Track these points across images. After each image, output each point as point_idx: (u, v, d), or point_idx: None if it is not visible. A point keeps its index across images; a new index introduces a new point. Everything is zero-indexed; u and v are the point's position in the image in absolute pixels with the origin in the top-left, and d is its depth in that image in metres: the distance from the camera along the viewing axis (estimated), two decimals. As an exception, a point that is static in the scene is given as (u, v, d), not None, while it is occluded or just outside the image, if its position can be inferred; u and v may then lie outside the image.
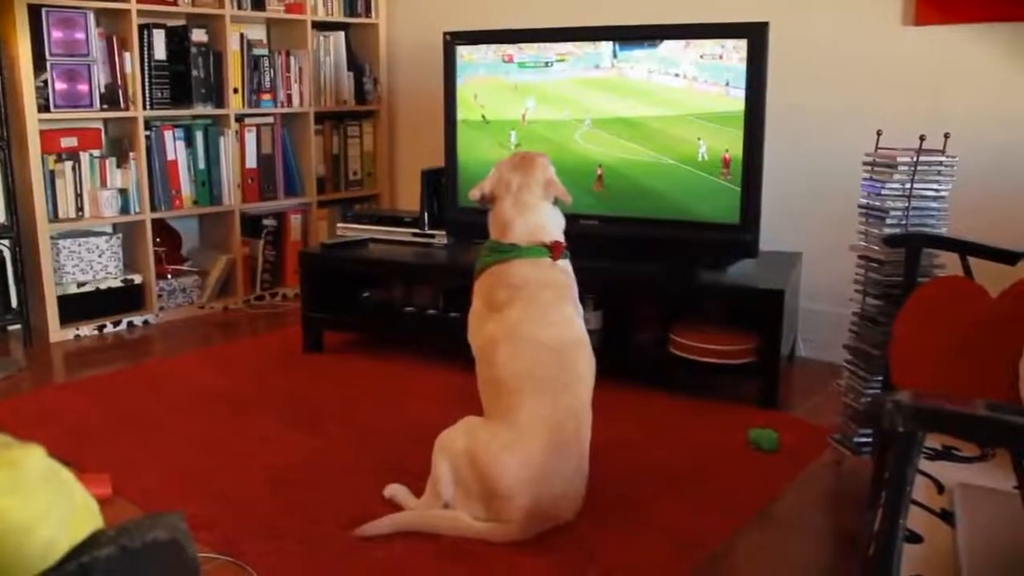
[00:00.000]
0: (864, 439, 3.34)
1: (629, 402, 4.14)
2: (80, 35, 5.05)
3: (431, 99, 6.21)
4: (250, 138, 5.96)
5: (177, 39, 5.55)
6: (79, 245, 5.26)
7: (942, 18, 4.31)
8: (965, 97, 4.31)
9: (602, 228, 4.48)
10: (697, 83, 4.24)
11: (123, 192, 5.38)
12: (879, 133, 3.40)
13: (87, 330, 5.30)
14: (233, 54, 5.75)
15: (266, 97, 5.98)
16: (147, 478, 3.37)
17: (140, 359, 4.85)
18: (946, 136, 3.27)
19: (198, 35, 5.60)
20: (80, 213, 5.26)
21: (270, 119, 6.09)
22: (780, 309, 3.97)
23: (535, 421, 2.86)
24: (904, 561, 1.70)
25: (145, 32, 5.33)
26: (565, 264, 3.19)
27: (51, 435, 3.75)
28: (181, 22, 5.65)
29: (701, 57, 4.18)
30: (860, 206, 3.36)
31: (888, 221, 3.21)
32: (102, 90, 5.22)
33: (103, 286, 5.37)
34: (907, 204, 3.19)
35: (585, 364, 3.04)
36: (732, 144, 4.19)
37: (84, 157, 5.25)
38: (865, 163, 3.33)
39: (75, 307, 5.26)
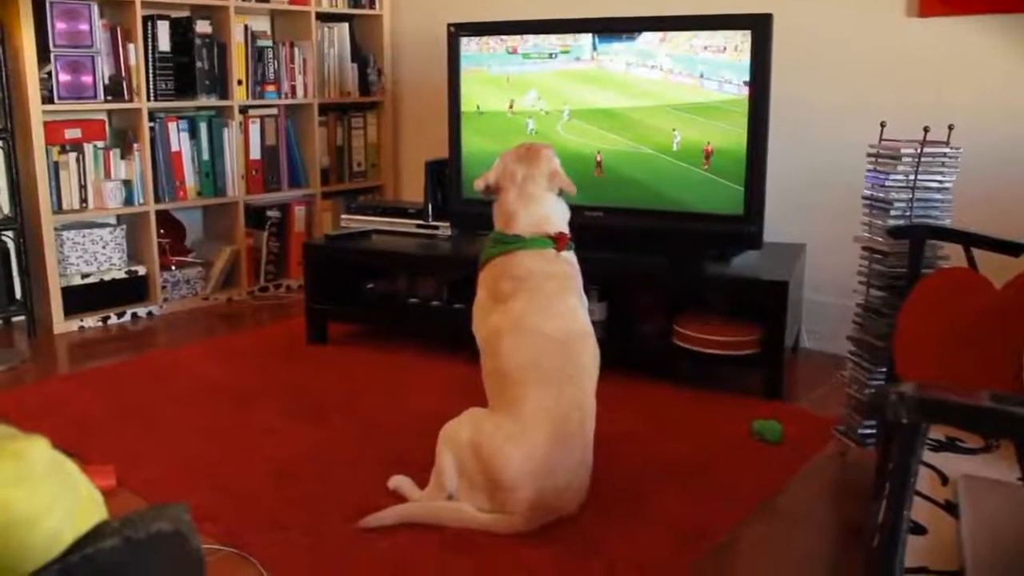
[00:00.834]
0: (868, 430, 3.34)
1: (633, 393, 4.14)
2: (84, 26, 5.04)
3: (435, 90, 6.21)
4: (254, 129, 5.96)
5: (181, 30, 5.55)
6: (83, 236, 5.26)
7: (946, 9, 4.30)
8: (969, 88, 4.30)
9: (606, 219, 4.48)
10: (673, 75, 4.26)
11: (127, 183, 5.38)
12: (883, 125, 3.40)
13: (91, 321, 5.30)
14: (237, 45, 5.74)
15: (270, 88, 5.98)
16: (151, 469, 3.37)
17: (144, 350, 4.85)
18: (950, 128, 3.27)
19: (202, 26, 5.59)
20: (84, 204, 5.27)
21: (274, 110, 6.09)
22: (784, 300, 3.97)
23: (539, 412, 2.87)
24: (908, 552, 1.70)
25: (149, 23, 5.33)
26: (570, 255, 3.19)
27: (55, 426, 3.75)
28: (185, 13, 5.65)
29: (699, 49, 4.18)
30: (864, 197, 3.35)
31: (892, 212, 3.20)
32: (106, 81, 5.22)
33: (107, 277, 5.37)
34: (911, 195, 3.19)
35: (589, 355, 3.04)
36: (714, 136, 4.20)
37: (88, 148, 5.25)
38: (869, 155, 3.32)
39: (79, 298, 5.26)
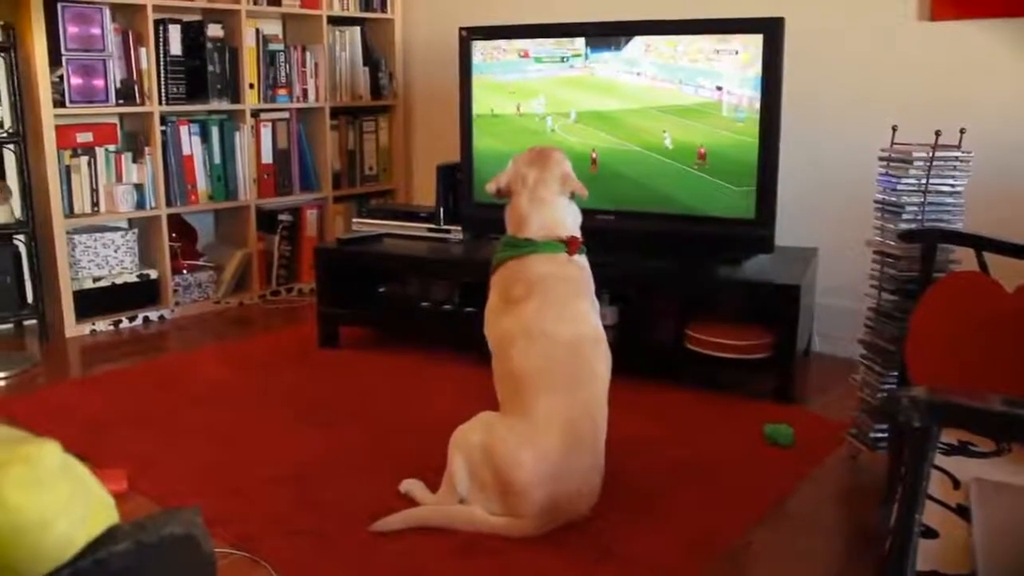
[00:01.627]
0: (880, 434, 3.33)
1: (644, 397, 4.13)
2: (96, 30, 5.06)
3: (447, 94, 6.22)
4: (266, 133, 5.97)
5: (193, 34, 5.56)
6: (95, 240, 5.28)
7: (958, 13, 4.30)
8: (981, 92, 4.30)
9: (617, 223, 4.48)
10: (657, 81, 4.29)
11: (139, 187, 5.39)
12: (894, 128, 3.40)
13: (103, 325, 5.31)
14: (249, 49, 5.75)
15: (282, 92, 5.99)
16: (163, 473, 3.38)
17: (156, 354, 4.86)
18: (962, 131, 3.26)
19: (214, 30, 5.60)
20: (96, 208, 5.28)
21: (286, 114, 6.10)
22: (796, 304, 3.97)
23: (551, 416, 2.86)
24: (920, 556, 1.70)
25: (161, 27, 5.34)
26: (581, 259, 3.19)
27: (67, 430, 3.76)
28: (197, 17, 5.66)
29: (711, 53, 4.19)
30: (876, 201, 3.35)
31: (904, 216, 3.20)
32: (118, 85, 5.23)
33: (119, 281, 5.39)
34: (923, 199, 3.19)
35: (601, 360, 3.04)
36: (705, 138, 4.22)
37: (100, 152, 5.27)
38: (881, 158, 3.32)
39: (91, 302, 5.27)
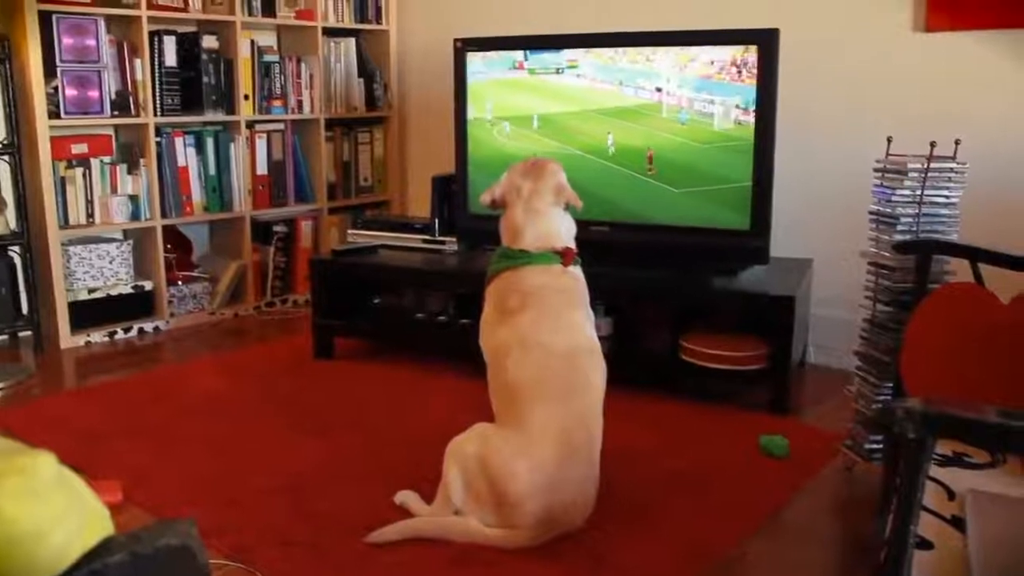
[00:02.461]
0: (875, 445, 3.34)
1: (639, 408, 4.13)
2: (91, 41, 5.06)
3: (442, 105, 6.22)
4: (261, 144, 5.97)
5: (187, 45, 5.57)
6: (90, 251, 5.27)
7: (953, 24, 4.30)
8: (976, 103, 4.30)
9: (612, 234, 4.48)
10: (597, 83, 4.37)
11: (134, 198, 5.39)
12: (889, 140, 3.40)
13: (98, 336, 5.31)
14: (244, 60, 5.76)
15: (277, 103, 6.00)
16: (158, 484, 3.38)
17: (151, 365, 4.86)
18: (957, 142, 3.27)
19: (209, 41, 5.61)
20: (91, 219, 5.27)
21: (281, 125, 6.10)
22: (791, 315, 3.97)
23: (546, 427, 2.86)
24: (915, 567, 1.70)
25: (155, 38, 5.34)
26: (576, 271, 3.19)
27: (62, 441, 3.76)
28: (192, 29, 5.66)
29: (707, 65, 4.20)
30: (871, 212, 3.35)
31: (899, 227, 3.20)
32: (113, 96, 5.23)
33: (114, 292, 5.38)
34: (918, 210, 3.19)
35: (596, 371, 3.04)
36: (654, 142, 4.25)
37: (95, 163, 5.27)
38: (876, 169, 3.32)
39: (86, 313, 5.27)
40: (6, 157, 4.91)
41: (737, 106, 4.19)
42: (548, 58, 4.54)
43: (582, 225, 3.38)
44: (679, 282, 4.29)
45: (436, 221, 5.04)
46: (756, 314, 4.22)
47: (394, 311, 5.05)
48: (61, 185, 5.13)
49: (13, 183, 4.93)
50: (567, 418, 2.89)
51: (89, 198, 5.25)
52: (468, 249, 4.98)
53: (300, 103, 6.14)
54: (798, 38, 4.66)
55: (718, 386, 4.30)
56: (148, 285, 5.53)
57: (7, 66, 4.83)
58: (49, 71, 4.93)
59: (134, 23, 5.28)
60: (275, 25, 6.12)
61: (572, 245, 3.22)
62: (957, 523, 1.96)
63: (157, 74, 5.38)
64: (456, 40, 4.78)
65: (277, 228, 6.10)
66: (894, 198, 3.21)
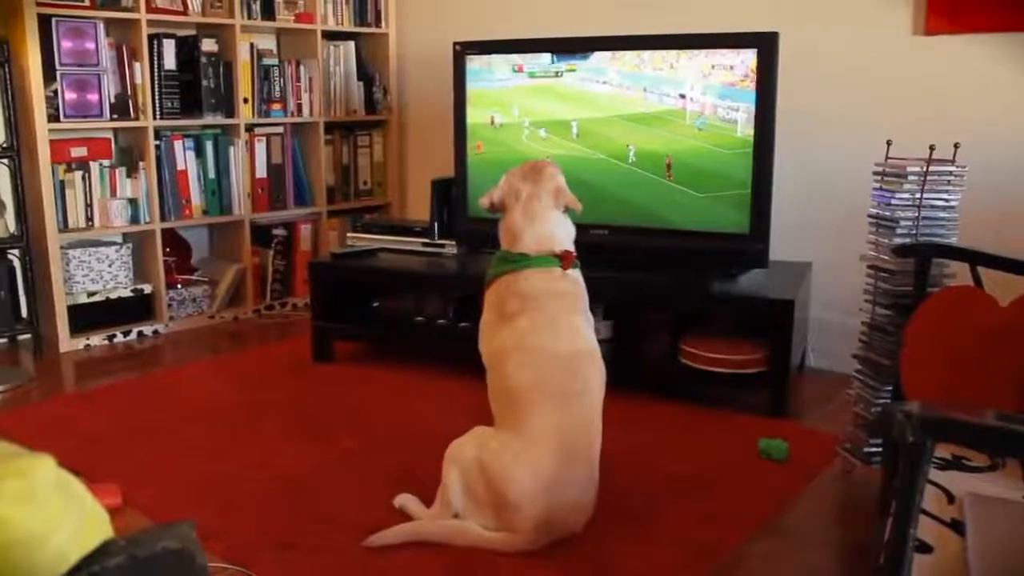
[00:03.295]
0: (874, 449, 3.33)
1: (639, 412, 4.13)
2: (90, 45, 5.06)
3: (441, 109, 6.22)
4: (260, 148, 5.97)
5: (187, 49, 5.57)
6: (89, 255, 5.27)
7: (952, 28, 4.30)
8: (975, 107, 4.30)
9: (612, 238, 4.48)
10: (623, 89, 4.34)
11: (133, 202, 5.39)
12: (889, 143, 3.40)
13: (97, 340, 5.31)
14: (243, 64, 5.76)
15: (276, 107, 6.00)
16: (157, 488, 3.37)
17: (150, 369, 4.85)
18: (956, 146, 3.27)
19: (208, 45, 5.61)
20: (90, 223, 5.27)
21: (280, 129, 6.10)
22: (790, 319, 3.97)
23: (545, 431, 2.86)
24: (914, 571, 1.70)
25: (155, 42, 5.35)
26: (576, 274, 3.19)
27: (61, 445, 3.75)
28: (191, 32, 5.67)
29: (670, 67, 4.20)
30: (870, 216, 3.35)
31: (898, 231, 3.20)
32: (112, 100, 5.23)
33: (113, 296, 5.38)
34: (917, 214, 3.19)
35: (595, 374, 3.03)
36: (672, 148, 4.24)
37: (94, 167, 5.27)
38: (875, 173, 3.32)
39: (85, 317, 5.27)
40: (5, 160, 4.91)
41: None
42: (547, 61, 4.55)
43: (582, 229, 3.38)
44: (679, 286, 4.28)
45: (435, 224, 5.03)
46: (756, 318, 4.23)
47: (393, 314, 5.05)
48: (60, 188, 5.13)
49: (12, 186, 4.93)
50: (567, 422, 2.89)
51: (88, 201, 5.25)
52: (468, 252, 4.98)
53: (299, 106, 6.15)
54: (797, 41, 4.66)
55: (718, 390, 4.30)
56: (147, 288, 5.53)
57: (6, 69, 4.83)
58: (48, 74, 4.93)
59: (133, 26, 5.28)
60: (274, 28, 6.12)
61: (571, 248, 3.22)
62: (956, 526, 1.96)
63: (156, 77, 5.38)
64: (455, 43, 4.78)
65: (276, 231, 6.10)
66: (893, 201, 3.21)
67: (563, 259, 3.14)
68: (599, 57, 4.43)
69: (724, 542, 2.98)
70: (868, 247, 3.38)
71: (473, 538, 2.89)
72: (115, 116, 5.25)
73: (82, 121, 5.09)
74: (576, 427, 2.91)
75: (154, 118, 5.39)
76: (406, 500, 3.14)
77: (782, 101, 4.27)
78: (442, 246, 5.00)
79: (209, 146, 5.73)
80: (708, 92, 4.23)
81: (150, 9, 5.27)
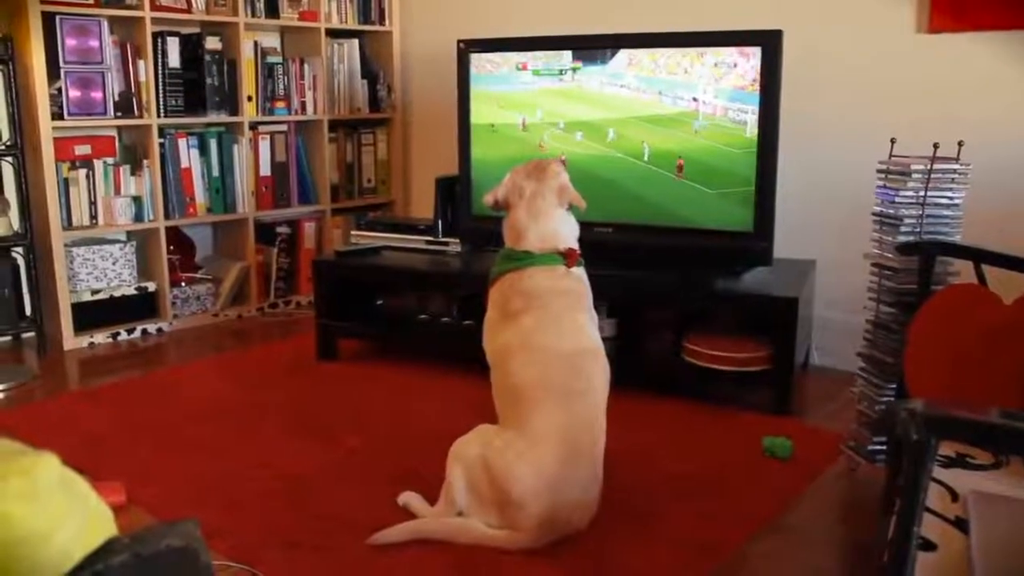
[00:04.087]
0: (878, 447, 3.33)
1: (643, 410, 4.13)
2: (94, 43, 5.06)
3: (445, 107, 6.22)
4: (264, 146, 5.98)
5: (191, 47, 5.57)
6: (93, 253, 5.27)
7: (956, 26, 4.30)
8: (979, 105, 4.30)
9: (616, 235, 4.48)
10: (640, 92, 4.36)
11: (137, 200, 5.39)
12: (893, 141, 3.40)
13: (101, 338, 5.31)
14: (247, 62, 5.76)
15: (280, 105, 6.00)
16: (161, 486, 3.38)
17: (154, 367, 4.86)
18: (960, 144, 3.26)
19: (212, 43, 5.61)
20: (94, 221, 5.28)
21: (284, 127, 6.10)
22: (794, 317, 3.97)
23: (549, 429, 2.86)
24: (918, 569, 1.70)
25: (159, 40, 5.35)
26: (580, 272, 3.18)
27: (65, 443, 3.76)
28: (195, 30, 5.67)
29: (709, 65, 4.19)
30: (874, 214, 3.35)
31: (902, 229, 3.20)
32: (116, 98, 5.23)
33: (117, 294, 5.39)
34: (921, 212, 3.19)
35: (599, 372, 3.03)
36: (682, 148, 4.25)
37: (98, 165, 5.27)
38: (879, 171, 3.32)
39: (89, 315, 5.27)
40: (10, 158, 4.91)
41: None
42: (552, 59, 4.55)
43: (585, 227, 3.38)
44: (683, 283, 4.28)
45: (439, 222, 5.03)
46: (760, 316, 4.22)
47: (397, 312, 5.05)
48: (64, 186, 5.13)
49: (17, 184, 4.93)
50: (570, 420, 2.89)
51: (92, 199, 5.25)
52: (471, 250, 4.98)
53: (303, 104, 6.15)
54: (801, 39, 4.65)
55: (721, 388, 4.30)
56: (151, 286, 5.53)
57: (11, 67, 4.83)
58: (53, 72, 4.94)
59: (137, 24, 5.28)
60: (278, 26, 6.12)
61: (575, 246, 3.21)
62: (960, 524, 1.96)
63: (160, 75, 5.39)
64: (459, 41, 4.78)
65: (280, 229, 6.10)
66: (897, 199, 3.21)
67: (567, 257, 3.14)
68: (602, 57, 4.43)
69: (727, 540, 2.98)
70: (872, 245, 3.38)
71: (476, 536, 2.90)
72: (119, 114, 5.26)
73: (86, 119, 5.10)
74: (580, 425, 2.90)
75: (158, 116, 5.39)
76: (410, 498, 3.14)
77: (786, 99, 4.27)
78: (446, 244, 5.00)
79: (213, 144, 5.73)
80: (720, 95, 4.22)
81: (154, 7, 5.27)
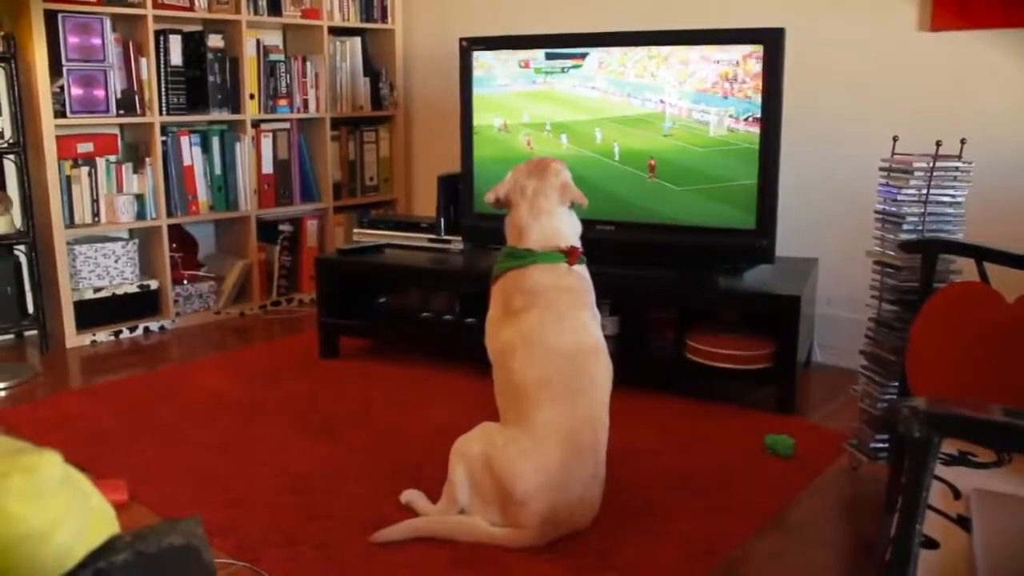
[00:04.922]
0: (880, 445, 3.33)
1: (645, 408, 4.13)
2: (96, 40, 5.06)
3: (447, 105, 6.22)
4: (266, 144, 5.98)
5: (193, 44, 5.57)
6: (95, 251, 5.28)
7: (959, 23, 4.30)
8: (982, 103, 4.30)
9: (617, 233, 4.48)
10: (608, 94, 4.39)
11: (139, 197, 5.39)
12: (895, 139, 3.40)
13: (103, 336, 5.31)
14: (249, 59, 5.76)
15: (282, 103, 6.00)
16: (163, 484, 3.38)
17: (156, 365, 4.86)
18: (962, 142, 3.26)
19: (214, 40, 5.61)
20: (96, 219, 5.28)
21: (286, 124, 6.10)
22: (796, 315, 3.97)
23: (551, 427, 2.86)
24: (920, 567, 1.70)
25: (161, 37, 5.35)
26: (582, 269, 3.18)
27: (67, 441, 3.76)
28: (197, 27, 5.67)
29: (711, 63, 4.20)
30: (876, 212, 3.35)
31: (904, 227, 3.20)
32: (118, 95, 5.23)
33: (119, 292, 5.39)
34: (923, 210, 3.19)
35: (602, 370, 3.03)
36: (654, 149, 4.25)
37: (100, 163, 5.27)
38: (881, 169, 3.32)
39: (91, 313, 5.27)
40: (12, 156, 4.91)
41: (730, 115, 4.20)
42: (554, 57, 4.55)
43: (587, 224, 3.38)
44: (685, 281, 4.28)
45: (442, 220, 5.03)
46: (762, 313, 4.22)
47: (399, 310, 5.05)
48: (67, 184, 5.14)
49: (19, 182, 4.93)
50: (573, 418, 2.89)
51: (95, 197, 5.25)
52: (474, 248, 4.98)
53: (306, 102, 6.15)
54: (803, 37, 4.65)
55: (723, 385, 4.30)
56: (153, 284, 5.53)
57: (13, 65, 4.83)
58: (55, 70, 4.94)
59: (140, 22, 5.28)
60: (281, 24, 6.12)
61: (578, 244, 3.21)
62: (963, 522, 1.96)
63: (163, 73, 5.39)
64: (462, 39, 4.78)
65: (282, 227, 6.10)
66: (900, 197, 3.21)
67: (569, 255, 3.14)
68: (597, 58, 4.43)
69: (729, 538, 2.98)
70: (874, 243, 3.37)
71: (479, 534, 2.90)
72: (121, 112, 5.26)
73: (88, 117, 5.10)
74: (582, 423, 2.90)
75: (160, 114, 5.39)
76: (412, 496, 3.14)
77: (788, 97, 4.27)
78: (448, 242, 5.00)
79: (215, 142, 5.73)
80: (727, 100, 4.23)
81: (156, 5, 5.27)
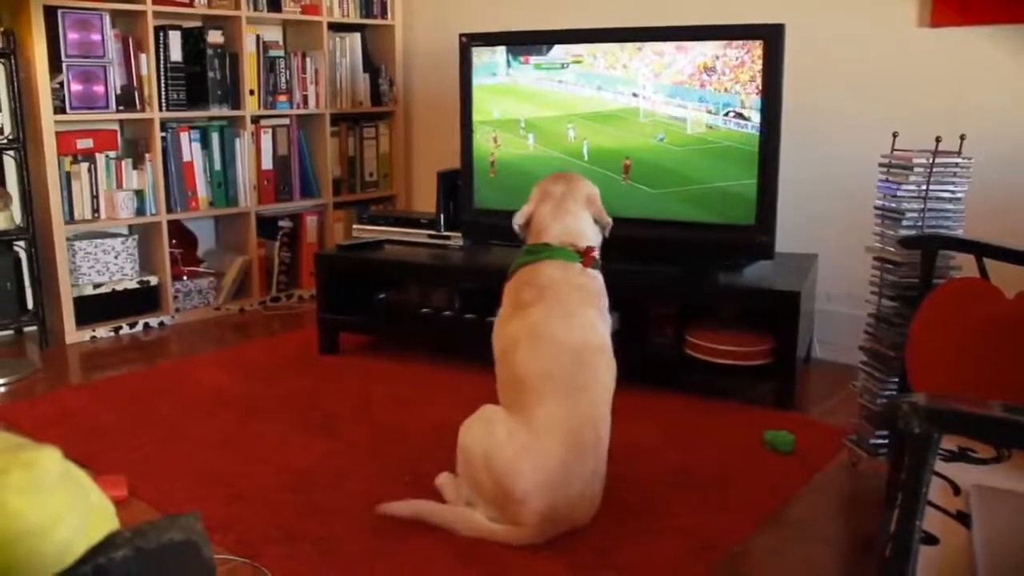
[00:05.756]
0: (880, 440, 3.33)
1: (644, 403, 4.13)
2: (96, 36, 5.06)
3: (447, 101, 6.22)
4: (266, 139, 5.97)
5: (193, 40, 5.57)
6: (95, 246, 5.28)
7: (958, 19, 4.30)
8: (981, 98, 4.30)
9: (619, 229, 4.47)
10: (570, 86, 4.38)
11: (139, 193, 5.39)
12: (895, 135, 3.40)
13: (103, 331, 5.31)
14: (249, 55, 5.76)
15: (282, 98, 5.99)
16: (163, 480, 3.38)
17: (156, 360, 4.86)
18: (962, 138, 3.26)
19: (214, 36, 5.61)
20: (96, 214, 5.28)
21: (286, 120, 6.10)
22: (796, 311, 3.97)
23: (552, 423, 2.86)
24: (920, 563, 1.70)
25: (161, 33, 5.35)
26: (595, 273, 3.19)
27: (67, 436, 3.76)
28: (197, 23, 5.67)
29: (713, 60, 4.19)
30: (876, 208, 3.35)
31: (904, 223, 3.20)
32: (118, 91, 5.23)
33: (119, 287, 5.39)
34: (923, 206, 3.19)
35: (606, 369, 3.02)
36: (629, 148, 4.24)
37: (100, 158, 5.27)
38: (881, 165, 3.32)
39: (91, 308, 5.27)
40: (12, 152, 4.91)
41: (708, 111, 4.20)
42: (554, 53, 4.54)
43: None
44: (685, 277, 4.28)
45: (441, 216, 5.03)
46: (761, 309, 4.22)
47: (399, 306, 5.04)
48: (66, 180, 5.13)
49: (19, 178, 4.92)
50: (574, 415, 2.88)
51: (94, 193, 5.25)
52: (473, 244, 4.98)
53: (305, 98, 6.15)
54: (803, 33, 4.65)
55: (723, 381, 4.30)
56: (153, 280, 5.53)
57: (13, 61, 4.83)
58: (55, 66, 4.93)
59: (139, 18, 5.28)
60: (280, 20, 6.12)
61: (595, 245, 3.23)
62: (962, 518, 1.96)
63: (162, 69, 5.38)
64: (461, 35, 4.78)
65: (282, 223, 6.10)
66: (899, 193, 3.21)
67: (584, 255, 3.14)
68: (595, 59, 4.43)
69: (729, 534, 2.98)
70: (874, 239, 3.37)
71: (479, 528, 2.90)
72: (121, 108, 5.26)
73: (88, 113, 5.09)
74: (584, 420, 2.90)
75: (160, 110, 5.39)
76: (445, 481, 3.16)
77: (788, 93, 4.26)
78: (448, 238, 5.00)
79: (215, 138, 5.73)
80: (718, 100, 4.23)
81: (156, 1, 5.26)
